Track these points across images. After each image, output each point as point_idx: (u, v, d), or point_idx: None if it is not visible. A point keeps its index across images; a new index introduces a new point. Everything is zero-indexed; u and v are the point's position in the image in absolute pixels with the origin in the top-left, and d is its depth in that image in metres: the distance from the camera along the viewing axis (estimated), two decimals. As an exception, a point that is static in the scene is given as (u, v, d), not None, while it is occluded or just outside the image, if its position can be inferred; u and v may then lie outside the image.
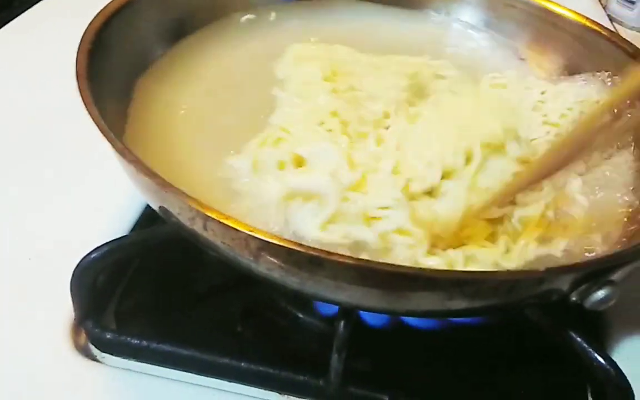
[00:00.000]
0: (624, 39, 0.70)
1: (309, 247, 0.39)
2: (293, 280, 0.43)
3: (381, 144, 0.55)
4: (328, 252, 0.39)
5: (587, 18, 0.73)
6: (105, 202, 0.65)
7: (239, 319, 0.59)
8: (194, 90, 0.64)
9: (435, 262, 0.45)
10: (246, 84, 0.66)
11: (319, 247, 0.39)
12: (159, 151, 0.56)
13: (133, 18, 0.63)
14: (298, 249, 0.39)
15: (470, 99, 0.62)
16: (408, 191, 0.50)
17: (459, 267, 0.45)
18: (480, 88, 0.68)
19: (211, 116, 0.61)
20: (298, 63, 0.66)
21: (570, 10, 0.74)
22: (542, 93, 0.68)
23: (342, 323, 0.50)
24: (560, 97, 0.67)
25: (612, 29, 1.12)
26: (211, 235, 0.43)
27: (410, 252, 0.46)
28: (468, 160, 0.52)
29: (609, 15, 1.17)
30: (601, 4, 1.20)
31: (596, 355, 0.49)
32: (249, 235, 0.40)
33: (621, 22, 1.17)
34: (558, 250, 0.48)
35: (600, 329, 0.58)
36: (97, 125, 0.45)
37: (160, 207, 0.47)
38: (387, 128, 0.58)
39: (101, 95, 0.51)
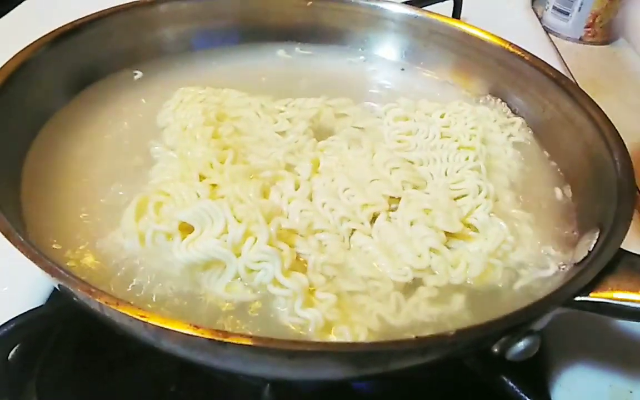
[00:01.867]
0: (547, 63, 0.70)
1: (204, 330, 0.37)
2: (199, 358, 0.41)
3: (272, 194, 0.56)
4: (224, 333, 0.37)
5: (509, 42, 0.73)
6: (17, 280, 0.62)
7: (173, 379, 0.57)
8: (90, 143, 0.63)
9: (310, 315, 0.46)
10: (132, 136, 0.65)
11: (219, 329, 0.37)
12: (55, 207, 0.55)
13: (33, 73, 0.61)
14: (193, 333, 0.37)
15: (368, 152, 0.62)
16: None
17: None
18: (384, 125, 0.68)
19: (98, 177, 0.60)
20: (180, 108, 0.66)
21: (492, 35, 0.74)
22: (442, 116, 0.68)
23: (267, 387, 0.48)
24: (460, 116, 0.68)
25: (548, 40, 1.14)
26: (109, 317, 0.41)
27: (288, 304, 0.47)
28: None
29: (544, 27, 1.18)
30: (537, 16, 1.21)
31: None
32: (143, 321, 0.38)
33: (557, 33, 1.18)
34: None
35: (539, 367, 0.57)
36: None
37: (59, 285, 0.45)
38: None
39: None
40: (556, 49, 1.12)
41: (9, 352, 0.53)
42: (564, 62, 1.07)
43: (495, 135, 0.69)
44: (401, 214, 0.55)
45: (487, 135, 0.68)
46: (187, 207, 0.51)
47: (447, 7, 1.03)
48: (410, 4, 0.90)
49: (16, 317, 0.52)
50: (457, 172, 0.61)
